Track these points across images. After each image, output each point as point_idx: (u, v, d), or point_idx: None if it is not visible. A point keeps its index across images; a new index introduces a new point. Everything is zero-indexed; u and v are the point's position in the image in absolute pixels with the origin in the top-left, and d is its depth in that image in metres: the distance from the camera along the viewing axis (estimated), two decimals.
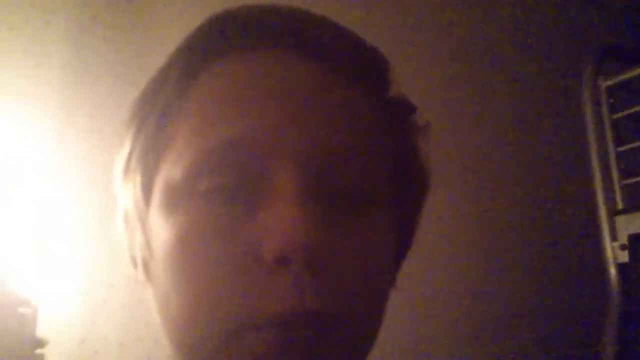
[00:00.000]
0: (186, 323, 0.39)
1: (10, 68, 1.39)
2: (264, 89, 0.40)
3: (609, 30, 1.82)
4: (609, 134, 1.21)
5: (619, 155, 1.20)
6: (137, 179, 0.44)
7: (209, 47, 0.43)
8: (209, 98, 0.41)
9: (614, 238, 1.17)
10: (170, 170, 0.41)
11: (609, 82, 1.23)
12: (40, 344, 1.06)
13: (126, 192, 0.46)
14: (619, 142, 1.20)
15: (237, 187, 0.39)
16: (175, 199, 0.41)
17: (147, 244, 0.44)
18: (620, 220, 1.17)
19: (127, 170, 0.46)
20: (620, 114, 1.21)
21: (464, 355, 1.51)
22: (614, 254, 1.17)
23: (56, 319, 1.25)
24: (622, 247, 1.15)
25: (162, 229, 0.41)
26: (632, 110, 1.21)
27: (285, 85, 0.40)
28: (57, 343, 1.18)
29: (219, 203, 0.39)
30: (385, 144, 0.44)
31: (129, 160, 0.46)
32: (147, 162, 0.44)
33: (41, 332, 1.09)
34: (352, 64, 0.43)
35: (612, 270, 1.17)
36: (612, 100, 1.23)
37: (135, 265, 0.47)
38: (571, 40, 1.71)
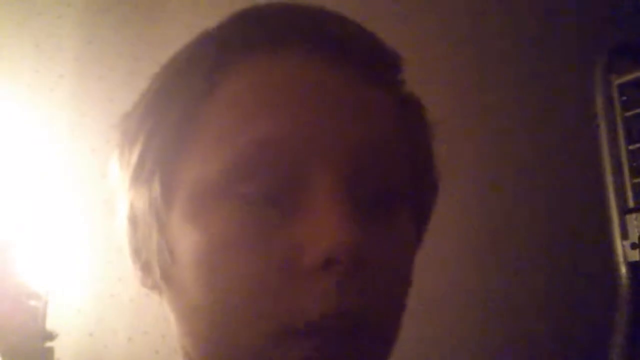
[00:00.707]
0: (222, 331, 0.39)
1: (22, 61, 1.40)
2: (297, 88, 0.40)
3: (621, 28, 1.80)
4: (620, 131, 1.20)
5: (630, 153, 1.19)
6: (155, 182, 0.42)
7: (237, 41, 0.42)
8: (240, 95, 0.40)
9: (624, 236, 1.16)
10: (199, 171, 0.39)
11: (621, 80, 1.22)
12: (50, 336, 1.07)
13: (138, 195, 0.43)
14: (630, 140, 1.19)
15: (273, 189, 0.38)
16: (205, 202, 0.39)
17: (168, 247, 0.41)
18: (631, 218, 1.16)
19: (139, 172, 0.43)
20: (632, 112, 1.20)
21: (471, 352, 1.51)
22: (625, 252, 1.16)
23: (65, 312, 1.26)
24: (633, 246, 1.14)
25: (187, 233, 0.39)
26: None
27: (317, 86, 0.40)
28: (66, 336, 1.19)
29: (255, 206, 0.38)
30: (405, 140, 0.44)
31: (141, 162, 0.43)
32: (168, 163, 0.41)
33: (51, 325, 1.10)
34: (375, 62, 0.43)
35: (623, 269, 1.16)
36: (624, 98, 1.22)
37: (142, 269, 0.45)
38: (583, 37, 1.70)
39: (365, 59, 0.42)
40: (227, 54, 0.41)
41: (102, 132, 1.35)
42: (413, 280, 0.46)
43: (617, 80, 1.23)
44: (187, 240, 0.40)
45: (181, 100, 0.42)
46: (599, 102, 1.24)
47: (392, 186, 0.41)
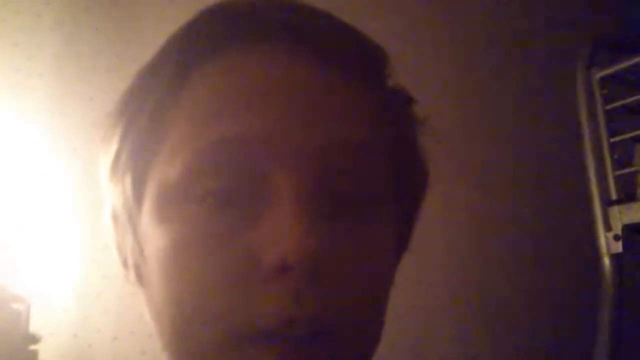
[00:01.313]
0: (182, 333, 0.38)
1: (1, 61, 1.38)
2: (262, 87, 0.38)
3: (602, 22, 1.82)
4: (602, 124, 1.21)
5: (612, 146, 1.20)
6: (128, 179, 0.42)
7: (203, 41, 0.41)
8: (204, 95, 0.39)
9: (608, 228, 1.17)
10: (164, 171, 0.39)
11: (602, 73, 1.23)
12: (34, 340, 1.06)
13: (115, 192, 0.44)
14: (612, 132, 1.20)
15: (233, 192, 0.37)
16: (169, 203, 0.39)
17: (139, 247, 0.42)
18: (614, 210, 1.17)
19: (115, 169, 0.43)
20: (613, 105, 1.21)
21: (457, 346, 1.51)
22: (608, 244, 1.17)
23: (49, 313, 1.24)
24: (616, 238, 1.16)
25: (155, 234, 0.39)
26: (626, 101, 1.21)
27: (283, 83, 0.39)
28: (50, 337, 1.18)
29: (215, 208, 0.37)
30: (385, 138, 0.42)
31: (117, 159, 0.43)
32: (138, 161, 0.41)
33: (34, 327, 1.08)
34: (351, 58, 0.41)
35: (606, 261, 1.17)
36: (605, 91, 1.23)
37: (125, 265, 0.45)
38: (564, 31, 1.71)
39: (339, 54, 0.40)
40: (190, 56, 0.41)
41: (83, 131, 1.33)
42: (392, 286, 0.45)
43: (598, 74, 1.24)
44: (153, 242, 0.40)
45: (148, 104, 0.41)
46: (581, 96, 1.25)
47: (364, 189, 0.39)
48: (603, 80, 1.23)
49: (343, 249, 0.38)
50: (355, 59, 0.41)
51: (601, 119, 1.22)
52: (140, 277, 0.43)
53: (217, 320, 0.36)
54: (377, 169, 0.41)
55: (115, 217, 0.45)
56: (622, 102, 1.21)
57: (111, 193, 0.44)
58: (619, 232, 1.15)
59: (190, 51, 0.41)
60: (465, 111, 1.64)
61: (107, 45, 1.44)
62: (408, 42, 1.58)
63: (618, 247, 1.15)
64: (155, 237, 0.39)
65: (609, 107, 1.21)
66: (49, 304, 1.25)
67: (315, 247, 0.34)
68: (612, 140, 1.20)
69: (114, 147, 0.43)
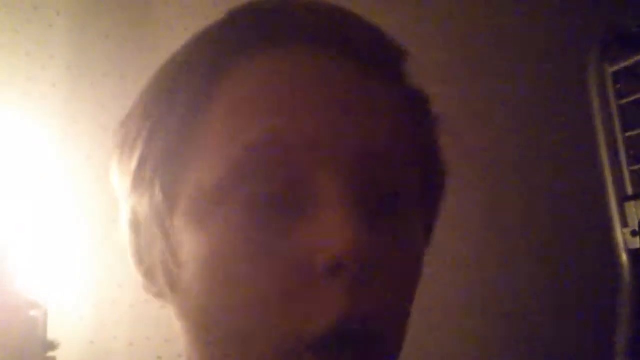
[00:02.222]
0: (230, 340, 0.38)
1: (15, 70, 1.39)
2: (298, 88, 0.38)
3: (615, 16, 1.80)
4: (616, 119, 1.20)
5: (627, 141, 1.19)
6: (157, 187, 0.40)
7: (238, 40, 0.40)
8: (243, 95, 0.39)
9: (624, 224, 1.16)
10: (202, 175, 0.38)
11: (615, 68, 1.22)
12: (52, 346, 1.06)
13: (139, 200, 0.42)
14: (626, 127, 1.19)
15: (279, 194, 0.37)
16: (208, 206, 0.38)
17: (173, 254, 0.40)
18: (630, 206, 1.16)
19: (139, 177, 0.41)
20: (627, 100, 1.20)
21: (474, 342, 1.51)
22: (625, 240, 1.16)
23: (66, 320, 1.25)
24: (633, 233, 1.14)
25: (191, 240, 0.38)
26: (639, 96, 1.20)
27: (322, 83, 0.38)
28: (67, 345, 1.18)
29: (260, 211, 0.36)
30: (412, 139, 0.42)
31: (142, 165, 0.41)
32: (169, 168, 0.40)
33: (52, 334, 1.09)
34: (382, 59, 0.41)
35: (624, 257, 1.16)
36: (618, 86, 1.21)
37: (145, 275, 0.44)
38: (577, 26, 1.70)
39: (369, 54, 0.40)
40: (225, 56, 0.40)
41: (96, 139, 1.34)
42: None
43: (611, 69, 1.23)
44: (191, 246, 0.38)
45: (181, 106, 0.40)
46: (594, 91, 1.24)
47: (400, 187, 0.40)
48: (616, 74, 1.22)
49: (388, 249, 0.38)
50: (382, 58, 0.41)
51: (615, 114, 1.21)
52: (172, 283, 0.41)
53: (271, 328, 0.36)
54: (411, 168, 0.41)
55: (136, 226, 0.43)
56: (636, 96, 1.20)
57: (134, 200, 0.42)
58: (636, 228, 1.14)
59: (225, 52, 0.40)
60: (477, 108, 1.63)
61: (118, 52, 1.45)
62: (415, 37, 1.58)
63: (635, 242, 1.14)
64: (193, 243, 0.38)
65: (622, 101, 1.20)
66: (66, 312, 1.26)
67: (365, 246, 0.34)
68: (626, 135, 1.19)
69: (137, 152, 0.41)
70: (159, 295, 0.44)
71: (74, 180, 1.34)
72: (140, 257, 0.44)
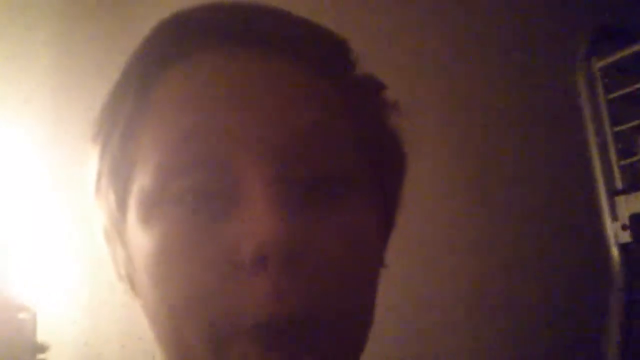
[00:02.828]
0: (174, 334, 0.39)
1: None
2: (220, 84, 0.40)
3: (601, 11, 1.81)
4: (605, 114, 1.21)
5: (616, 136, 1.19)
6: (110, 196, 0.44)
7: (163, 52, 0.43)
8: (167, 101, 0.41)
9: (614, 218, 1.17)
10: (141, 181, 0.40)
11: (603, 63, 1.23)
12: (42, 349, 1.06)
13: (101, 209, 0.46)
14: (615, 122, 1.20)
15: (207, 189, 0.38)
16: (148, 209, 0.40)
17: (129, 258, 0.43)
18: (621, 200, 1.17)
19: (98, 189, 0.45)
20: (615, 94, 1.21)
21: (464, 337, 1.51)
22: (616, 234, 1.16)
23: (58, 322, 1.24)
24: (624, 227, 1.15)
25: (140, 242, 0.40)
26: (627, 90, 1.20)
27: (240, 78, 0.40)
28: (59, 347, 1.18)
29: (191, 207, 0.38)
30: (352, 123, 0.43)
31: (99, 178, 0.45)
32: (117, 178, 0.43)
33: (44, 336, 1.08)
34: (306, 49, 0.42)
35: (614, 251, 1.16)
36: (606, 81, 1.22)
37: (120, 278, 0.47)
38: (564, 21, 1.71)
39: (297, 48, 0.42)
40: (152, 66, 0.43)
41: (81, 141, 1.34)
42: (380, 267, 0.46)
43: (599, 64, 1.23)
44: (140, 249, 0.40)
45: (119, 121, 0.43)
46: (582, 86, 1.25)
47: (336, 171, 0.40)
48: (604, 69, 1.22)
49: (320, 236, 0.38)
50: (310, 51, 0.42)
51: (603, 109, 1.21)
52: (133, 286, 0.45)
53: (202, 319, 0.37)
54: (346, 152, 0.41)
55: (106, 233, 0.47)
56: (624, 91, 1.20)
57: (99, 211, 0.46)
58: (626, 222, 1.15)
59: (149, 63, 0.43)
60: (464, 103, 1.63)
61: (104, 54, 1.44)
62: (400, 32, 1.58)
63: (626, 236, 1.15)
64: (140, 244, 0.40)
65: (610, 96, 1.21)
66: (58, 314, 1.25)
67: (289, 235, 0.35)
68: (615, 129, 1.19)
69: (94, 167, 0.46)
70: (131, 296, 0.47)
71: (62, 183, 1.33)
72: (114, 262, 0.47)
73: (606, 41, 1.29)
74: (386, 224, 0.48)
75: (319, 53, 0.43)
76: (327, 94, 0.42)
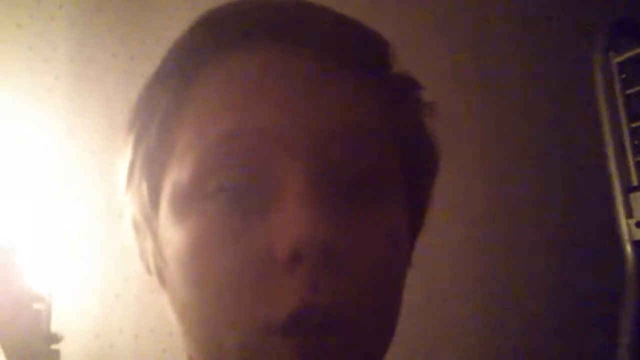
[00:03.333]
0: (205, 331, 0.39)
1: (18, 64, 1.39)
2: (262, 82, 0.40)
3: (619, 6, 1.79)
4: (621, 110, 1.20)
5: (632, 132, 1.18)
6: (143, 187, 0.44)
7: (202, 47, 0.42)
8: (207, 97, 0.41)
9: (629, 215, 1.16)
10: (176, 175, 0.40)
11: (621, 58, 1.22)
12: (55, 339, 1.07)
13: (132, 200, 0.45)
14: (632, 118, 1.19)
15: (244, 186, 0.38)
16: (183, 204, 0.40)
17: (159, 251, 0.43)
18: (636, 197, 1.16)
19: (130, 179, 0.45)
20: (632, 90, 1.20)
21: (476, 335, 1.51)
22: (630, 231, 1.15)
23: (71, 313, 1.26)
24: (638, 225, 1.14)
25: (173, 236, 0.40)
26: None
27: (283, 78, 0.40)
28: (72, 337, 1.19)
29: (227, 204, 0.38)
30: (391, 122, 0.43)
31: (132, 169, 0.45)
32: (152, 170, 0.43)
33: (56, 327, 1.09)
34: (350, 48, 0.42)
35: (628, 248, 1.16)
36: (624, 76, 1.21)
37: (148, 271, 0.47)
38: (582, 16, 1.69)
39: (338, 46, 0.41)
40: (192, 62, 0.42)
41: (101, 132, 1.34)
42: (409, 269, 0.46)
43: (616, 59, 1.22)
44: (172, 244, 0.40)
45: (156, 113, 0.43)
46: (599, 81, 1.24)
47: (375, 172, 0.40)
48: (621, 64, 1.21)
49: (357, 235, 0.38)
50: (352, 49, 0.42)
51: (620, 104, 1.20)
52: (162, 280, 0.44)
53: (237, 316, 0.37)
54: (385, 152, 0.41)
55: (135, 225, 0.46)
56: None
57: (129, 202, 0.46)
58: None
59: (190, 58, 0.43)
60: (481, 98, 1.62)
61: (121, 45, 1.45)
62: (419, 29, 1.57)
63: None
64: (173, 238, 0.40)
65: (628, 92, 1.20)
66: (71, 305, 1.27)
67: (326, 234, 0.35)
68: (632, 125, 1.18)
69: (127, 158, 0.45)
70: (158, 289, 0.46)
71: (78, 175, 1.34)
72: (142, 254, 0.47)
73: (624, 36, 1.28)
74: (415, 224, 0.48)
75: (363, 52, 0.43)
76: (369, 94, 0.42)
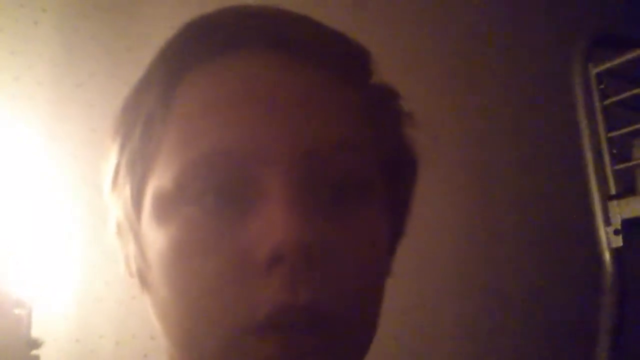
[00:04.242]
0: (186, 332, 0.40)
1: (0, 69, 1.38)
2: (248, 93, 0.40)
3: (599, 18, 1.82)
4: (600, 119, 1.22)
5: (610, 141, 1.20)
6: (126, 191, 0.44)
7: (189, 53, 0.43)
8: (192, 105, 0.41)
9: (607, 223, 1.18)
10: (159, 180, 0.41)
11: (599, 69, 1.24)
12: (36, 344, 1.06)
13: (116, 203, 0.46)
14: (610, 127, 1.21)
15: (226, 191, 0.39)
16: (166, 208, 0.40)
17: (142, 254, 0.43)
18: (613, 205, 1.18)
19: (115, 182, 0.46)
20: (610, 100, 1.22)
21: (453, 342, 1.52)
22: (608, 238, 1.17)
23: (51, 318, 1.25)
24: (616, 232, 1.16)
25: (155, 239, 0.41)
26: (622, 96, 1.21)
27: (268, 88, 0.40)
28: (52, 343, 1.18)
29: (210, 208, 0.39)
30: (372, 132, 0.44)
31: (116, 172, 0.45)
32: (135, 173, 0.43)
33: (36, 332, 1.09)
34: (331, 58, 0.42)
35: (607, 255, 1.17)
36: (602, 87, 1.23)
37: (131, 274, 0.47)
38: (562, 28, 1.72)
39: (321, 56, 0.42)
40: (178, 68, 0.43)
41: (83, 138, 1.34)
42: (389, 274, 0.46)
43: (595, 69, 1.24)
44: (154, 247, 0.41)
45: (141, 118, 0.43)
46: (578, 91, 1.26)
47: (355, 178, 0.41)
48: (600, 75, 1.23)
49: (336, 239, 0.39)
50: (335, 59, 0.43)
51: (599, 114, 1.22)
52: (144, 283, 0.45)
53: (217, 317, 0.37)
54: (365, 161, 0.42)
55: (119, 228, 0.47)
56: (619, 97, 1.21)
57: (113, 205, 0.46)
58: (619, 226, 1.16)
59: (176, 62, 0.43)
60: (463, 107, 1.64)
61: (106, 52, 1.44)
62: (401, 42, 1.59)
63: (618, 241, 1.16)
64: (155, 241, 0.41)
65: (606, 102, 1.22)
66: (51, 310, 1.26)
67: (307, 237, 0.36)
68: (610, 135, 1.20)
69: (112, 161, 0.46)
70: (140, 292, 0.47)
71: (61, 179, 1.34)
72: (125, 257, 0.47)
73: (603, 48, 1.30)
74: (395, 232, 0.48)
75: (346, 62, 0.44)
76: (352, 104, 0.43)
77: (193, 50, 0.43)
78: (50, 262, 1.29)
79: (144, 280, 0.45)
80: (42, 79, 1.40)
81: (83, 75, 1.42)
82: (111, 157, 0.46)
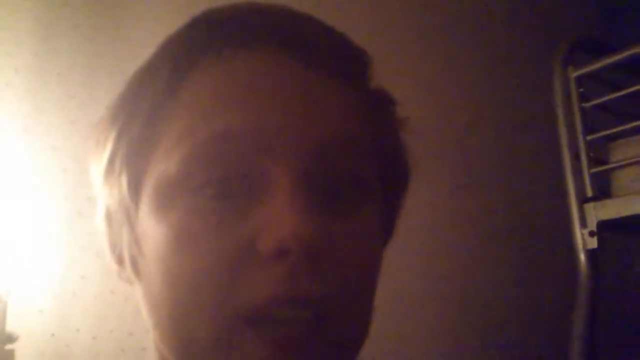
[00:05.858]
0: (179, 323, 0.40)
1: None
2: (255, 85, 0.41)
3: (579, 22, 1.84)
4: (578, 123, 1.23)
5: (588, 144, 1.22)
6: (123, 179, 0.44)
7: (198, 44, 0.43)
8: (200, 95, 0.41)
9: (583, 225, 1.19)
10: (161, 168, 0.41)
11: (579, 72, 1.25)
12: (10, 339, 1.05)
13: (110, 192, 0.46)
14: (588, 131, 1.22)
15: (230, 182, 0.39)
16: (168, 197, 0.40)
17: (137, 242, 0.43)
18: (590, 207, 1.19)
19: (110, 171, 0.45)
20: (589, 103, 1.23)
21: (432, 342, 1.53)
22: (584, 240, 1.19)
23: (26, 312, 1.23)
24: (591, 234, 1.18)
25: (155, 228, 0.41)
26: (601, 100, 1.23)
27: (275, 82, 0.41)
28: (27, 337, 1.17)
29: (213, 200, 0.39)
30: (371, 135, 0.45)
31: (111, 161, 0.45)
32: (134, 162, 0.43)
33: (11, 326, 1.07)
34: (338, 60, 0.43)
35: (582, 256, 1.19)
36: (581, 90, 1.25)
37: (120, 263, 0.47)
38: (542, 31, 1.74)
39: (327, 56, 0.43)
40: (186, 59, 0.43)
41: (62, 129, 1.32)
42: (380, 273, 0.47)
43: (575, 73, 1.26)
44: (152, 234, 0.41)
45: (145, 103, 0.43)
46: (558, 94, 1.27)
47: (355, 180, 0.42)
48: (579, 79, 1.25)
49: (337, 235, 0.39)
50: (340, 61, 0.44)
51: (577, 118, 1.24)
52: (137, 271, 0.45)
53: (213, 306, 0.38)
54: (365, 161, 0.43)
55: (108, 217, 0.47)
56: (597, 100, 1.23)
57: (105, 194, 0.46)
58: (594, 229, 1.17)
59: (186, 55, 0.43)
60: (444, 110, 1.65)
61: (88, 42, 1.43)
62: (387, 44, 1.59)
63: (593, 242, 1.18)
64: (154, 230, 0.41)
65: (585, 105, 1.23)
66: (26, 304, 1.24)
67: (312, 232, 0.36)
68: (588, 138, 1.22)
69: (107, 150, 0.45)
70: (128, 281, 0.47)
71: (38, 171, 1.32)
72: (113, 244, 0.47)
73: (583, 52, 1.32)
74: (386, 231, 0.50)
75: (350, 64, 0.45)
76: (354, 105, 0.44)
77: (203, 42, 0.43)
78: (26, 256, 1.27)
79: (136, 268, 0.45)
80: (21, 67, 1.38)
81: (62, 65, 1.40)
82: (106, 146, 0.45)
